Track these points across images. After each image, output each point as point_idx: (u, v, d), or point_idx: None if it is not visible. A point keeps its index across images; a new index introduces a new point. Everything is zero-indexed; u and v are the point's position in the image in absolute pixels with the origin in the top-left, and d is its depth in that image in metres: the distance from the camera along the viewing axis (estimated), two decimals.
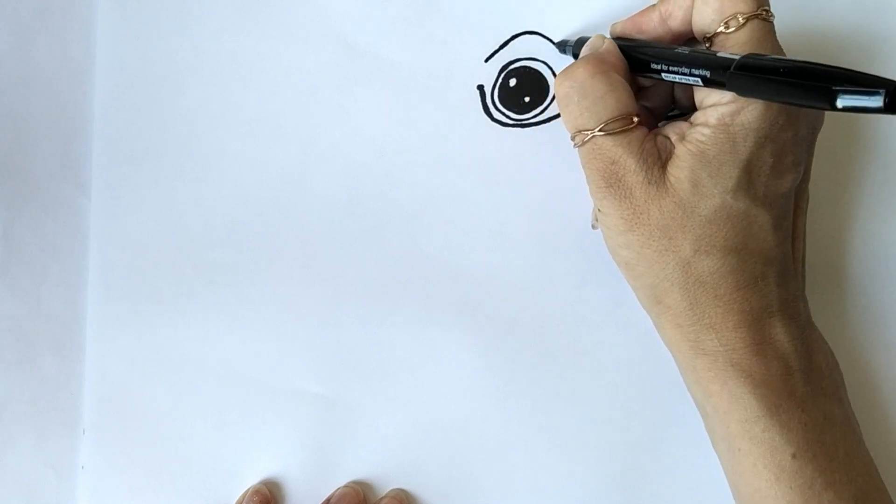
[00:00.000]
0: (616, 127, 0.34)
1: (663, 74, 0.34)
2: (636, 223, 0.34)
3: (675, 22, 0.36)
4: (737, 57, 0.30)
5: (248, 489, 0.40)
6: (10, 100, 0.42)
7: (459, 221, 0.41)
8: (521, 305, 0.40)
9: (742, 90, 0.30)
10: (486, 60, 0.41)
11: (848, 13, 0.40)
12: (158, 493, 0.40)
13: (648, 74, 0.35)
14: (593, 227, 0.39)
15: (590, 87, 0.34)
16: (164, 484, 0.40)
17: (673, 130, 0.34)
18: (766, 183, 0.33)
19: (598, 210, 0.35)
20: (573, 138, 0.35)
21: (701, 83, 0.32)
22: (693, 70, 0.32)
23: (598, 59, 0.35)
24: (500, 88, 0.41)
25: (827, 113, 0.35)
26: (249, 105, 0.42)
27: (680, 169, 0.33)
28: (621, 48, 0.36)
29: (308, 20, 0.42)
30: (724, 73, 0.31)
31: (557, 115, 0.41)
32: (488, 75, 0.41)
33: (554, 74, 0.41)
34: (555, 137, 0.41)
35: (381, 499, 0.39)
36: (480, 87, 0.41)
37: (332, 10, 0.42)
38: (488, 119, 0.41)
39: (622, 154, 0.34)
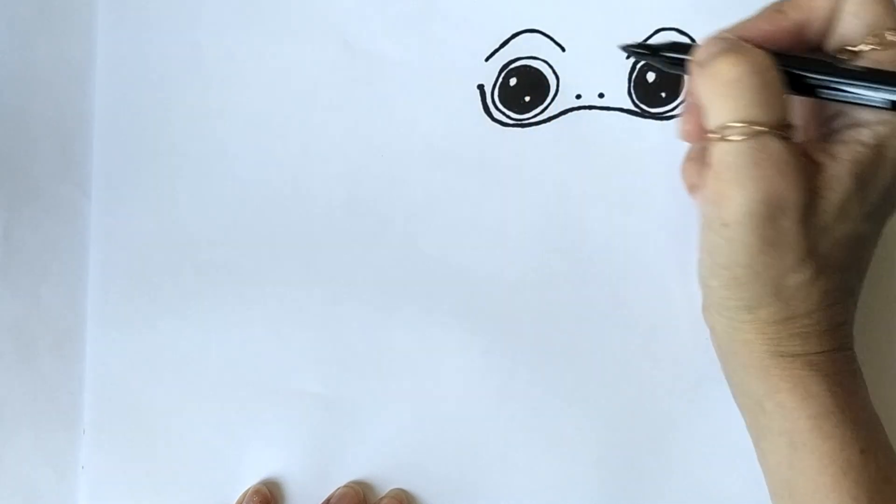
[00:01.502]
0: (787, 132, 0.30)
1: (823, 91, 0.31)
2: (774, 246, 0.31)
3: (811, 32, 0.32)
4: None
5: (248, 489, 0.40)
6: (10, 100, 0.42)
7: (459, 221, 0.41)
8: (521, 305, 0.40)
9: None
10: (487, 59, 0.41)
11: None
12: (158, 493, 0.40)
13: (795, 92, 0.32)
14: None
15: (772, 79, 0.30)
16: (164, 484, 0.40)
17: (807, 146, 0.32)
18: (887, 209, 0.33)
19: (723, 225, 0.31)
20: (720, 130, 0.31)
21: (885, 105, 0.30)
22: (878, 88, 0.30)
23: (771, 56, 0.31)
24: (500, 88, 0.41)
25: None
26: (249, 105, 0.42)
27: (832, 191, 0.31)
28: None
29: (308, 20, 0.42)
30: None
31: (557, 115, 0.41)
32: (488, 75, 0.41)
33: (554, 73, 0.41)
34: (555, 137, 0.41)
35: (381, 499, 0.39)
36: (480, 87, 0.41)
37: (332, 10, 0.42)
38: (488, 119, 0.41)
39: (793, 165, 0.30)
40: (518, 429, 0.40)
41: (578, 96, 0.41)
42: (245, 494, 0.40)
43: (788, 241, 0.31)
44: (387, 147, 0.41)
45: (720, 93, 0.31)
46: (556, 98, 0.41)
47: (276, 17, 0.42)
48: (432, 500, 0.40)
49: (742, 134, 0.30)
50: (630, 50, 0.35)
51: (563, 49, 0.41)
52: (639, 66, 0.41)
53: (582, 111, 0.41)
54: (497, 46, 0.41)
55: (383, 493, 0.40)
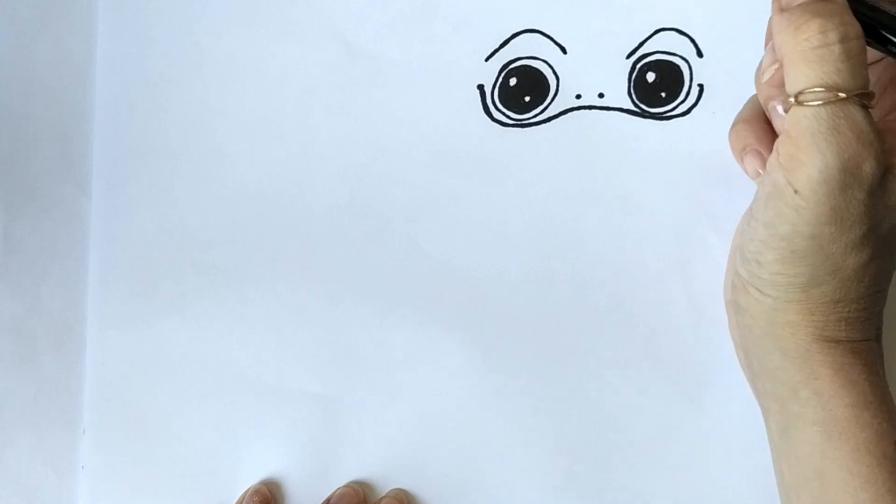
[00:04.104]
0: (869, 101, 0.30)
1: None
2: (843, 217, 0.30)
3: None
4: None
5: (248, 489, 0.40)
6: (10, 100, 0.42)
7: (459, 221, 0.41)
8: (521, 305, 0.40)
9: None
10: (487, 59, 0.41)
11: None
12: (158, 493, 0.40)
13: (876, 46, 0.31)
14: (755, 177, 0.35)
15: (858, 47, 0.30)
16: (164, 484, 0.40)
17: (884, 124, 0.32)
18: None
19: (794, 192, 0.30)
20: (799, 95, 0.30)
21: None
22: None
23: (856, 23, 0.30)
24: (500, 88, 0.41)
25: None
26: (249, 105, 0.42)
27: None
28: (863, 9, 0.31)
29: (308, 20, 0.42)
30: None
31: (557, 115, 0.41)
32: (488, 74, 0.41)
33: (554, 73, 0.41)
34: (555, 137, 0.41)
35: (381, 499, 0.39)
36: (480, 87, 0.41)
37: (332, 10, 0.42)
38: (488, 119, 0.41)
39: (871, 134, 0.30)
40: (518, 429, 0.40)
41: (578, 96, 0.41)
42: (245, 494, 0.40)
43: (856, 214, 0.30)
44: (387, 147, 0.41)
45: (805, 57, 0.30)
46: (556, 98, 0.41)
47: (276, 17, 0.42)
48: (432, 500, 0.40)
49: (822, 99, 0.29)
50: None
51: (562, 49, 0.41)
52: (638, 66, 0.41)
53: (582, 111, 0.41)
54: (497, 46, 0.41)
55: (383, 493, 0.40)
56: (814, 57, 0.30)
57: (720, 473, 0.39)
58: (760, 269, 0.33)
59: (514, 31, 0.41)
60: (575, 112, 0.41)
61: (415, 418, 0.40)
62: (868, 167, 0.30)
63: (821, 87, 0.30)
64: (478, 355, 0.40)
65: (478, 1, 0.41)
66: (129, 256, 0.42)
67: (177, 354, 0.41)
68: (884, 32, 0.31)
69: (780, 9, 0.31)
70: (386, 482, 0.40)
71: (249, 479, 0.40)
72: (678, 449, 0.39)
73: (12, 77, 0.42)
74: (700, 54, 0.40)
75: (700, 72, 0.40)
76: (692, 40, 0.41)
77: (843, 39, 0.29)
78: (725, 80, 0.40)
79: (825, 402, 0.33)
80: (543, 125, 0.41)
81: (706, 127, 0.40)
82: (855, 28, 0.30)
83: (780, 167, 0.31)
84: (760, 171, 0.34)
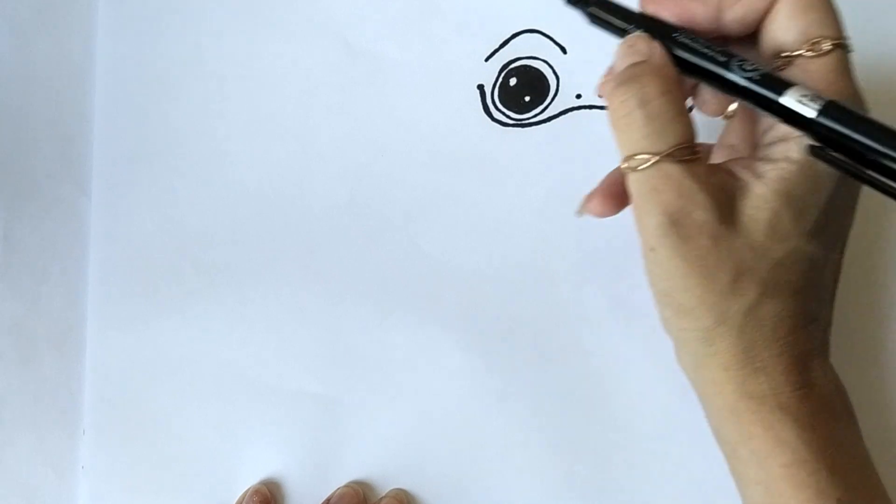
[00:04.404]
0: (685, 154, 0.30)
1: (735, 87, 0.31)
2: (701, 266, 0.30)
3: (735, 22, 0.32)
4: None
5: (248, 489, 0.40)
6: (10, 100, 0.42)
7: (459, 221, 0.41)
8: (521, 305, 0.40)
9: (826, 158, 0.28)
10: (487, 59, 0.41)
11: None
12: (158, 494, 0.40)
13: (703, 79, 0.31)
14: (579, 214, 0.35)
15: (659, 106, 0.30)
16: (164, 484, 0.40)
17: (735, 164, 0.31)
18: (838, 225, 0.32)
19: (650, 250, 0.31)
20: (626, 162, 0.31)
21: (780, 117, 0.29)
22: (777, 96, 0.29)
23: (664, 75, 0.31)
24: (500, 88, 0.41)
25: None
26: (249, 105, 0.42)
27: (759, 209, 0.30)
28: (683, 48, 0.31)
29: (308, 20, 0.42)
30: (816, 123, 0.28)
31: (557, 115, 0.41)
32: (488, 75, 0.41)
33: (554, 73, 0.41)
34: (555, 137, 0.41)
35: (381, 499, 0.39)
36: (480, 87, 0.41)
37: (332, 10, 0.42)
38: (488, 119, 0.41)
39: (692, 186, 0.30)
40: (518, 429, 0.40)
41: (578, 96, 0.41)
42: (245, 494, 0.40)
43: (714, 260, 0.30)
44: (387, 147, 0.41)
45: (616, 128, 0.31)
46: (556, 98, 0.41)
47: (276, 17, 0.42)
48: (432, 500, 0.40)
49: (642, 163, 0.30)
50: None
51: (563, 49, 0.41)
52: None
53: (582, 111, 0.41)
54: (497, 46, 0.41)
55: (383, 493, 0.40)
56: (623, 125, 0.31)
57: (720, 473, 0.39)
58: (668, 325, 0.33)
59: (514, 31, 0.41)
60: (575, 112, 0.41)
61: (415, 418, 0.40)
62: (699, 216, 0.30)
63: (636, 153, 0.30)
64: (477, 355, 0.40)
65: (478, 1, 0.41)
66: (129, 256, 0.42)
67: (177, 354, 0.41)
68: (712, 71, 0.31)
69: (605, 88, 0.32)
70: (386, 482, 0.40)
71: (249, 479, 0.40)
72: (678, 449, 0.39)
73: (12, 77, 0.42)
74: None
75: None
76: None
77: (642, 103, 0.30)
78: None
79: (762, 461, 0.32)
80: (543, 125, 0.41)
81: (707, 125, 0.40)
82: (657, 86, 0.30)
83: (637, 230, 0.32)
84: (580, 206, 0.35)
